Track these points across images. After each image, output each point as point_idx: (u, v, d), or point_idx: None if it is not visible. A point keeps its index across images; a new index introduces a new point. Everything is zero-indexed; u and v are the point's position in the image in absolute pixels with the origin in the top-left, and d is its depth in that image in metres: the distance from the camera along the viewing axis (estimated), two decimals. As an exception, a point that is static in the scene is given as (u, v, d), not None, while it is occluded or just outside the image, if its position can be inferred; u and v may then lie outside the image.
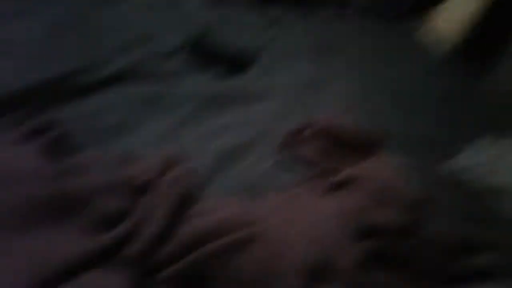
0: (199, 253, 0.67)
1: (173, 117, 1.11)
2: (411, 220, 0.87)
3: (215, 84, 1.29)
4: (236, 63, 1.40)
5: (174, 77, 1.25)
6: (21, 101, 0.91)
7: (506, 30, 1.95)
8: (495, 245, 0.90)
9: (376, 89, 1.52)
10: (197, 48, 1.37)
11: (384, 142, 1.13)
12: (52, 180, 0.68)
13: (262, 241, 0.72)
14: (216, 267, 0.67)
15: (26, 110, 0.89)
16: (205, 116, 1.16)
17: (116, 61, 1.17)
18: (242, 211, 0.79)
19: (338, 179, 0.96)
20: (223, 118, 1.17)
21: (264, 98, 1.29)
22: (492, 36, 1.98)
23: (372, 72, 1.64)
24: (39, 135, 0.81)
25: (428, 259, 0.83)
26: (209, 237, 0.70)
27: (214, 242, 0.69)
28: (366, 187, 0.91)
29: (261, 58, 1.47)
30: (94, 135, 0.94)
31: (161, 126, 1.06)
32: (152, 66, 1.24)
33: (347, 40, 1.83)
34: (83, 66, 1.09)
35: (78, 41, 1.17)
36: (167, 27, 1.41)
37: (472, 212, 1.04)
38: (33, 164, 0.70)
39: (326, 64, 1.58)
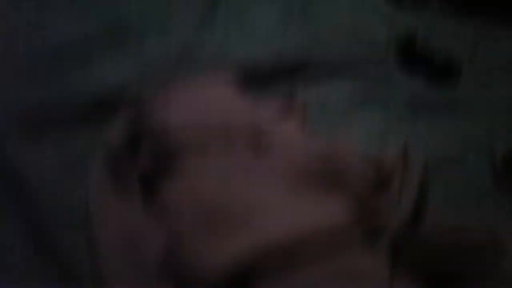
0: None
1: (381, 118, 1.11)
2: None
3: (425, 90, 1.25)
4: (444, 72, 1.34)
5: (384, 78, 1.25)
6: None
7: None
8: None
9: None
10: (403, 52, 1.35)
11: None
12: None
13: None
14: None
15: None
16: (411, 121, 1.14)
17: (335, 54, 1.21)
18: None
19: None
20: (430, 126, 1.14)
21: (476, 111, 1.22)
22: None
23: None
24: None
25: None
26: None
27: None
28: None
29: (472, 69, 1.39)
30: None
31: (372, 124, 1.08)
32: (362, 62, 1.25)
33: None
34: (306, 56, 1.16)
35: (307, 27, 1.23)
36: (368, 26, 1.41)
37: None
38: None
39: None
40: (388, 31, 1.40)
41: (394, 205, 0.74)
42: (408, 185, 0.80)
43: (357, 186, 0.73)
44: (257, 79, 1.03)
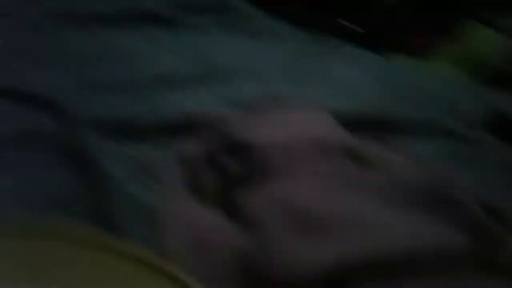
0: None
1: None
2: None
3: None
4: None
5: (477, 143, 1.17)
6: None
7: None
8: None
9: None
10: (496, 123, 1.29)
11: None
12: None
13: None
14: None
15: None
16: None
17: (424, 114, 1.17)
18: None
19: None
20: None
21: None
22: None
23: None
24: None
25: None
26: None
27: None
28: None
29: None
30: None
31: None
32: (453, 126, 1.19)
33: None
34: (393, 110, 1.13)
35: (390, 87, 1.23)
36: (467, 97, 1.37)
37: None
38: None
39: None
40: (482, 106, 1.36)
41: None
42: None
43: (473, 219, 0.63)
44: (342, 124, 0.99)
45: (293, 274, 0.52)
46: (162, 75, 0.99)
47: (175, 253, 0.58)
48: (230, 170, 0.71)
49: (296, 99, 1.04)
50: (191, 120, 0.86)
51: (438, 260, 0.55)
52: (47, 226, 0.43)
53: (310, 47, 1.40)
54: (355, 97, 1.14)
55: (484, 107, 1.37)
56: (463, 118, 1.24)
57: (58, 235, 0.42)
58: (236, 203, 0.66)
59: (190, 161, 0.75)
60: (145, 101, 0.90)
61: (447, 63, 2.34)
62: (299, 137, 0.74)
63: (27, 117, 0.75)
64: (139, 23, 1.20)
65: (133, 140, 0.78)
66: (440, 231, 0.60)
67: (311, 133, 0.76)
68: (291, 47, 1.37)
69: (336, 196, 0.64)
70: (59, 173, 0.66)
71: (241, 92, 1.04)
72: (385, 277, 0.53)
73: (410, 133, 1.07)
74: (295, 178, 0.67)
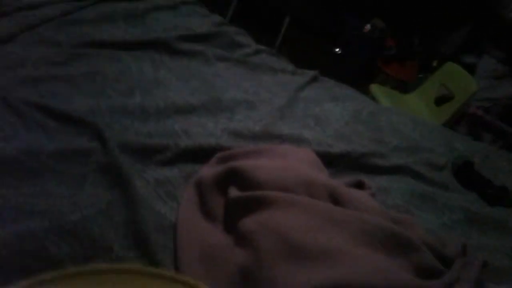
0: None
1: (438, 221, 1.19)
2: None
3: (478, 205, 1.33)
4: (497, 196, 1.42)
5: (441, 186, 1.34)
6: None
7: None
8: None
9: None
10: (460, 171, 1.46)
11: None
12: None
13: None
14: None
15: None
16: (466, 230, 1.20)
17: (397, 156, 1.34)
18: None
19: None
20: (484, 241, 1.20)
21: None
22: None
23: None
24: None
25: None
26: None
27: None
28: None
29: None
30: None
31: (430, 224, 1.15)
32: (423, 170, 1.36)
33: None
34: (372, 150, 1.29)
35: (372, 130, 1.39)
36: (437, 143, 1.55)
37: None
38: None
39: None
40: (446, 149, 1.54)
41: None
42: (469, 271, 0.85)
43: (423, 261, 0.80)
44: (327, 161, 1.15)
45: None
46: (174, 102, 1.12)
47: (187, 264, 0.71)
48: (232, 194, 0.85)
49: (290, 136, 1.20)
50: (203, 148, 1.00)
51: None
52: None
53: (303, 84, 1.56)
54: (341, 137, 1.31)
55: (450, 151, 1.56)
56: (430, 162, 1.42)
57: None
58: (235, 224, 0.80)
59: (201, 184, 0.88)
60: (163, 128, 1.02)
61: (421, 100, 2.58)
62: (291, 176, 0.88)
63: (69, 136, 0.87)
64: (151, 50, 1.34)
65: (155, 164, 0.91)
66: (396, 269, 0.74)
67: (302, 173, 0.91)
68: (286, 82, 1.54)
69: (319, 231, 0.77)
70: (99, 187, 0.79)
71: (242, 124, 1.18)
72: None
73: (383, 173, 1.24)
74: (286, 211, 0.79)
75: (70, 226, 0.68)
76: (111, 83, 1.09)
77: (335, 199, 0.88)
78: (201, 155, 0.98)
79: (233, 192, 0.86)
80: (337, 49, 3.89)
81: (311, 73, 1.65)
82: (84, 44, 1.18)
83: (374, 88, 2.61)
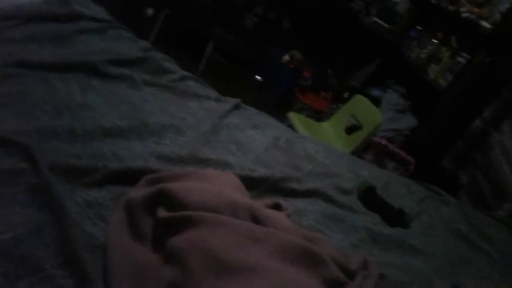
0: None
1: (345, 239, 1.32)
2: None
3: (380, 226, 1.49)
4: (396, 218, 1.60)
5: (349, 209, 1.49)
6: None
7: None
8: None
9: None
10: (364, 195, 1.63)
11: None
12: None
13: None
14: None
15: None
16: (370, 248, 1.35)
17: (311, 180, 1.47)
18: None
19: None
20: (384, 258, 1.35)
21: (421, 252, 1.45)
22: None
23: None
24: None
25: None
26: None
27: None
28: None
29: (416, 222, 1.66)
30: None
31: (338, 242, 1.27)
32: (333, 194, 1.50)
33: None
34: (289, 175, 1.41)
35: (289, 157, 1.51)
36: (345, 170, 1.71)
37: None
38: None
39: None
40: (353, 175, 1.71)
41: None
42: (369, 282, 0.99)
43: (330, 274, 0.91)
44: (249, 184, 1.24)
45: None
46: (103, 125, 1.16)
47: (118, 283, 0.75)
48: (160, 214, 0.91)
49: (215, 161, 1.28)
50: (132, 170, 1.04)
51: None
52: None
53: (227, 111, 1.65)
54: (261, 162, 1.41)
55: (356, 176, 1.73)
56: (340, 187, 1.57)
57: None
58: (164, 243, 0.85)
59: (130, 205, 0.92)
60: (92, 150, 1.05)
61: (333, 128, 2.82)
62: (217, 198, 0.96)
63: (3, 158, 0.87)
64: (79, 72, 1.35)
65: (84, 186, 0.93)
66: (306, 280, 0.84)
67: (226, 195, 0.99)
68: (210, 109, 1.62)
69: (241, 248, 0.85)
70: (30, 208, 0.80)
71: (169, 148, 1.24)
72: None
73: (299, 197, 1.36)
74: (213, 229, 0.86)
75: (2, 245, 0.69)
76: (40, 104, 1.09)
77: (256, 219, 0.97)
78: (129, 177, 1.02)
79: (162, 212, 0.91)
80: (258, 77, 4.10)
81: (234, 101, 1.75)
82: (12, 64, 1.17)
83: (292, 116, 2.79)
